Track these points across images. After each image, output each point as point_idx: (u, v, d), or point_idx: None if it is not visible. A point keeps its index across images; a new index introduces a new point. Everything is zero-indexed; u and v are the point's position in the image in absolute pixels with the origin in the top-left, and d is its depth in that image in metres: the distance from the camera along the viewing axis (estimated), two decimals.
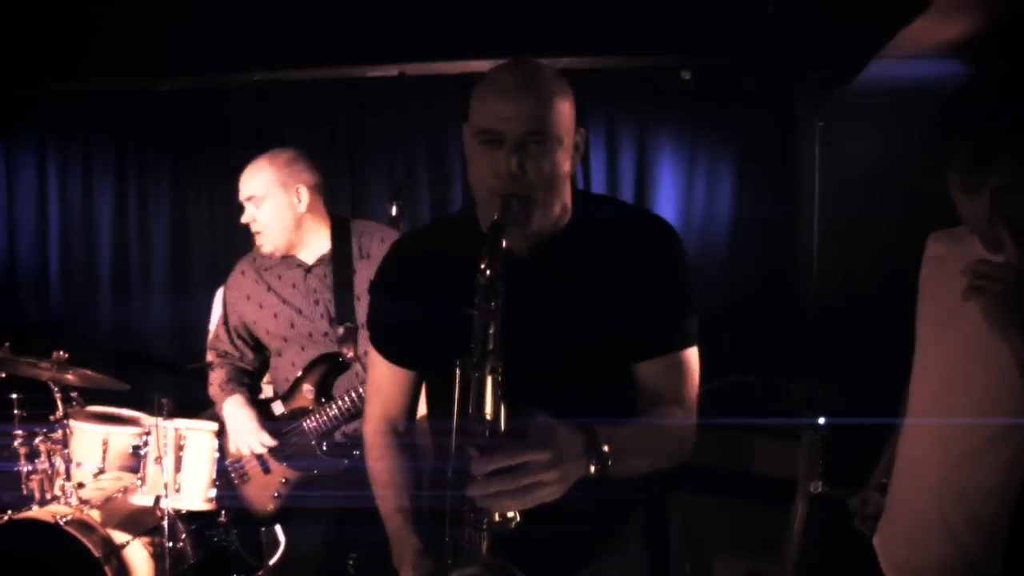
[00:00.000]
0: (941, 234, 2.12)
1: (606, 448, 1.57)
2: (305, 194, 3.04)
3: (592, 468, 1.56)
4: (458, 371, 1.54)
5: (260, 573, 3.53)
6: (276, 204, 3.02)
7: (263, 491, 3.13)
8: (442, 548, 1.63)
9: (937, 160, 1.82)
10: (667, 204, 4.87)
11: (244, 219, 3.08)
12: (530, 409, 1.53)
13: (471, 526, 1.54)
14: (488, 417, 1.51)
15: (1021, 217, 1.74)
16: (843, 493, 2.45)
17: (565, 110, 1.70)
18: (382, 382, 2.00)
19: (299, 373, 3.06)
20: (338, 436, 3.03)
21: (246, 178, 3.06)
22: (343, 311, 3.02)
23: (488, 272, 1.53)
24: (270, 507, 3.12)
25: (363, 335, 2.97)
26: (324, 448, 3.02)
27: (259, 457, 3.12)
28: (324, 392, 3.03)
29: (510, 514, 1.52)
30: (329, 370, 3.03)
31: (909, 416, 2.14)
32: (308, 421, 3.03)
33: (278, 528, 3.38)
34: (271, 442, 3.04)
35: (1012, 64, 1.93)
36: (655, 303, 1.77)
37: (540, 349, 1.66)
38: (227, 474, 3.22)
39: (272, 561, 3.46)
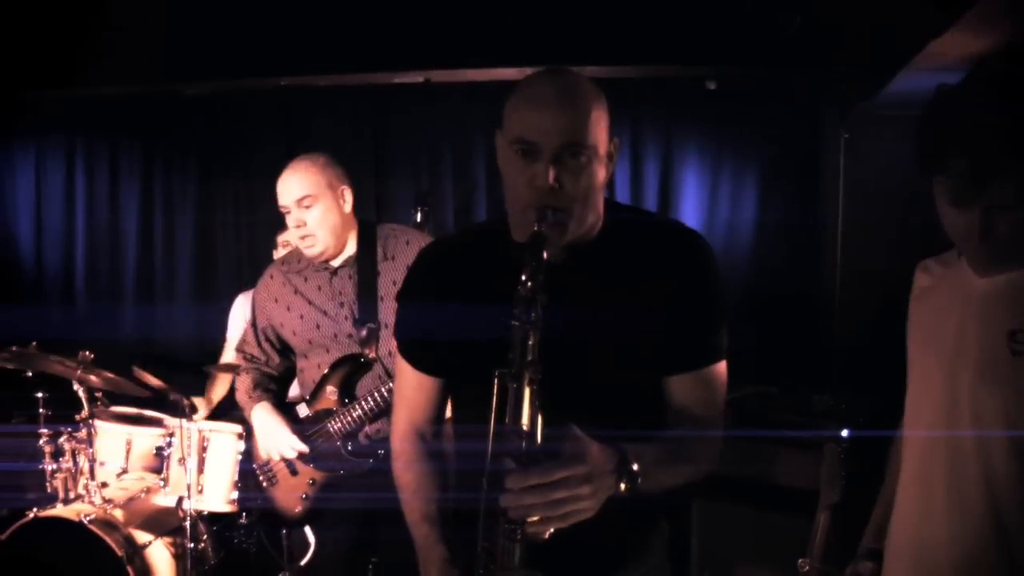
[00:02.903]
0: (929, 262, 1.96)
1: (636, 467, 1.57)
2: (349, 196, 3.08)
3: (623, 486, 1.56)
4: (496, 382, 1.54)
5: (283, 574, 3.54)
6: (326, 206, 3.02)
7: (291, 493, 3.14)
8: (475, 557, 1.63)
9: (925, 170, 1.68)
10: (691, 213, 4.87)
11: (291, 223, 3.05)
12: (565, 422, 1.53)
13: (505, 536, 1.53)
14: (525, 428, 1.51)
15: (1011, 236, 1.63)
16: (835, 569, 2.38)
17: (601, 121, 1.70)
18: (409, 390, 1.99)
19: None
20: (362, 437, 3.04)
21: (291, 182, 3.03)
22: (367, 313, 3.03)
23: (529, 283, 1.53)
24: (298, 509, 3.13)
25: (385, 335, 2.99)
26: (349, 448, 3.04)
27: (286, 460, 3.14)
28: (347, 393, 3.04)
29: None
30: (352, 371, 3.04)
31: (902, 469, 1.95)
32: (333, 422, 3.04)
33: (307, 529, 3.39)
34: (303, 447, 3.05)
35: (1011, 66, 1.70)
36: (687, 318, 1.77)
37: (570, 358, 1.65)
38: (255, 477, 3.24)
39: (303, 562, 3.47)
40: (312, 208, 3.01)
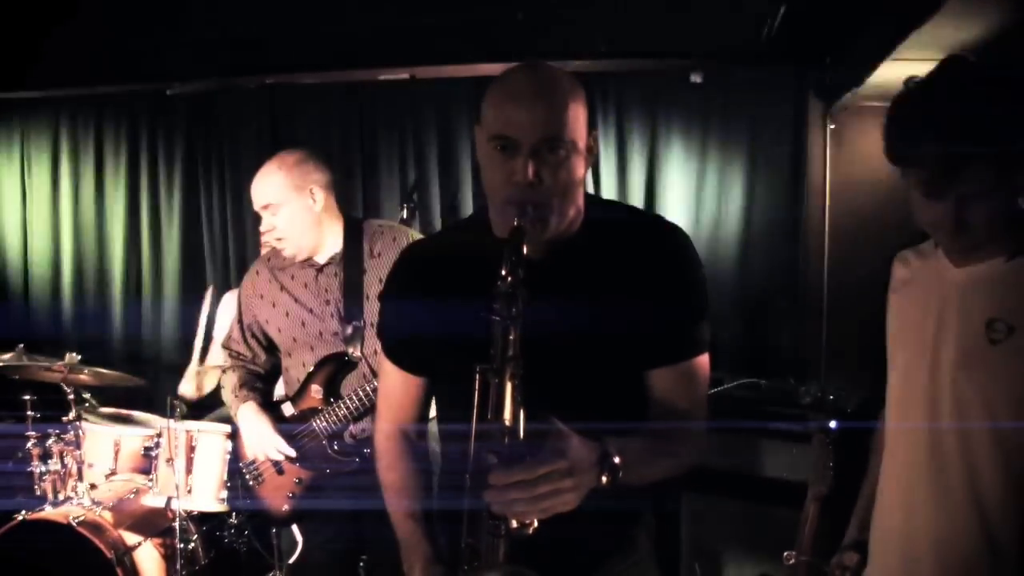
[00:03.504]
0: (906, 253, 1.98)
1: (618, 459, 1.58)
2: (320, 194, 3.03)
3: (604, 479, 1.57)
4: (478, 377, 1.55)
5: (273, 573, 3.54)
6: (293, 209, 2.99)
7: (277, 492, 3.14)
8: (460, 554, 1.63)
9: (897, 162, 1.70)
10: (677, 207, 4.87)
11: (263, 228, 3.05)
12: (545, 416, 1.53)
13: (489, 532, 1.54)
14: (507, 424, 1.52)
15: (984, 224, 1.66)
16: (821, 561, 2.39)
17: (579, 115, 1.69)
18: (393, 390, 2.00)
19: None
20: (347, 437, 3.04)
21: (258, 186, 3.03)
22: (353, 311, 3.02)
23: (509, 279, 1.53)
24: (285, 508, 3.12)
25: (370, 333, 2.98)
26: (335, 447, 3.03)
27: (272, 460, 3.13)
28: (332, 392, 3.03)
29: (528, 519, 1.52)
30: (336, 369, 3.03)
31: (884, 459, 1.98)
32: (318, 421, 3.03)
33: (295, 528, 3.39)
34: (289, 451, 3.04)
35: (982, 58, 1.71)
36: (668, 311, 1.77)
37: (552, 353, 1.65)
38: (241, 477, 3.23)
39: (291, 561, 3.47)
40: (279, 214, 2.99)
